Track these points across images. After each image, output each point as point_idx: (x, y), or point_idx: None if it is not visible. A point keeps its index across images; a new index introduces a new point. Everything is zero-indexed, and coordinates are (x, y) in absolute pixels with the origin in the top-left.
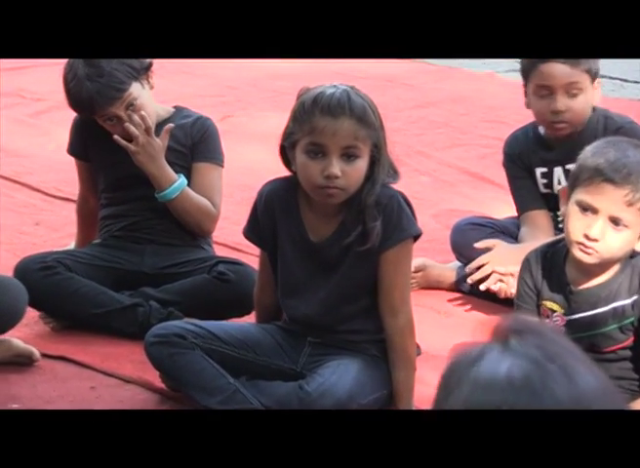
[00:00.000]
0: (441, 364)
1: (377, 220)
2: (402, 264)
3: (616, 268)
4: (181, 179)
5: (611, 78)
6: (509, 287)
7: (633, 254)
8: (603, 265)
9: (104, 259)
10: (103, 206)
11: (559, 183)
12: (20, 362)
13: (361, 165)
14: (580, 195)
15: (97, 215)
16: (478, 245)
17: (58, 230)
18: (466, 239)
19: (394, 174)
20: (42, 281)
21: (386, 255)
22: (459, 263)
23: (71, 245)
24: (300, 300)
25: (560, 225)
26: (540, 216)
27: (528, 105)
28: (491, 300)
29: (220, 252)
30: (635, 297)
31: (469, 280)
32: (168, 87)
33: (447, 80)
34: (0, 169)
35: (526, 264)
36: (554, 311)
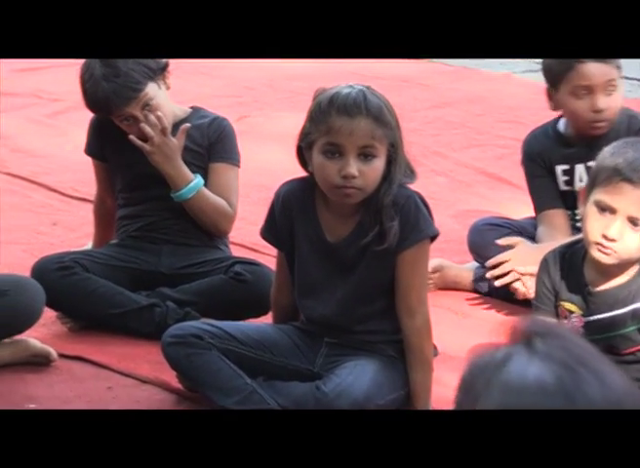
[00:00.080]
0: (459, 365)
1: (394, 220)
2: (419, 265)
3: (635, 269)
4: (198, 179)
5: (627, 78)
6: (528, 288)
7: None
8: (622, 266)
9: (121, 260)
10: (120, 206)
11: (580, 181)
12: (38, 362)
13: (378, 164)
14: (599, 195)
15: (114, 216)
16: (500, 241)
17: (75, 230)
18: (484, 239)
19: (411, 174)
20: (59, 281)
21: (403, 256)
22: (476, 264)
23: (88, 245)
24: (318, 301)
25: (579, 224)
26: (558, 216)
27: (555, 108)
28: (508, 301)
29: (236, 252)
30: None
31: (488, 274)
32: (185, 87)
33: (463, 80)
34: (17, 169)
35: (544, 265)
36: (572, 312)
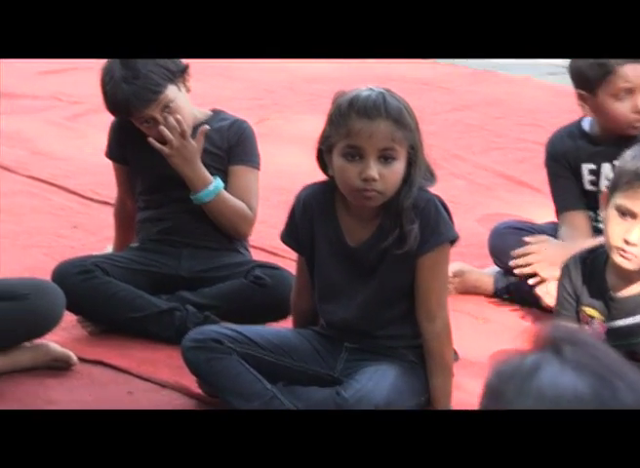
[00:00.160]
0: (479, 370)
1: (414, 223)
2: (439, 269)
3: None
4: (217, 182)
5: None
6: (552, 295)
7: None
8: None
9: (142, 263)
10: (141, 209)
11: (607, 179)
12: (58, 366)
13: (398, 167)
14: (620, 199)
15: (134, 219)
16: (528, 238)
17: (95, 233)
18: (505, 243)
19: (431, 177)
20: (80, 285)
21: (423, 260)
22: (496, 268)
23: (109, 248)
24: (338, 305)
25: (601, 225)
26: (579, 217)
27: (591, 111)
28: (528, 306)
29: (256, 256)
30: None
31: (511, 263)
32: (205, 90)
33: (483, 83)
34: (38, 171)
35: (565, 270)
36: (594, 318)
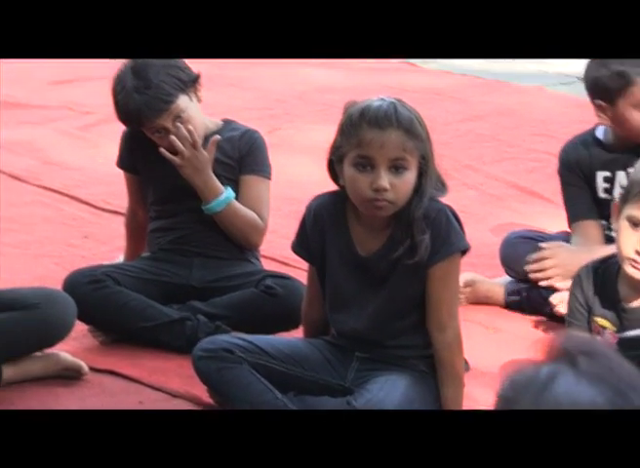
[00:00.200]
0: (490, 380)
1: (425, 233)
2: (450, 279)
3: None
4: (228, 192)
5: None
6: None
7: None
8: None
9: (153, 273)
10: (152, 218)
11: (621, 187)
12: (69, 375)
13: (409, 177)
14: (631, 210)
15: (145, 228)
16: (543, 244)
17: (106, 243)
18: (516, 252)
19: (442, 187)
20: (91, 294)
21: (434, 270)
22: (508, 278)
23: (120, 258)
24: (349, 315)
25: (614, 234)
26: (592, 227)
27: (610, 121)
28: (540, 316)
29: (267, 265)
30: None
31: (526, 268)
32: (216, 100)
33: (495, 93)
34: (49, 181)
35: (577, 280)
36: (605, 328)
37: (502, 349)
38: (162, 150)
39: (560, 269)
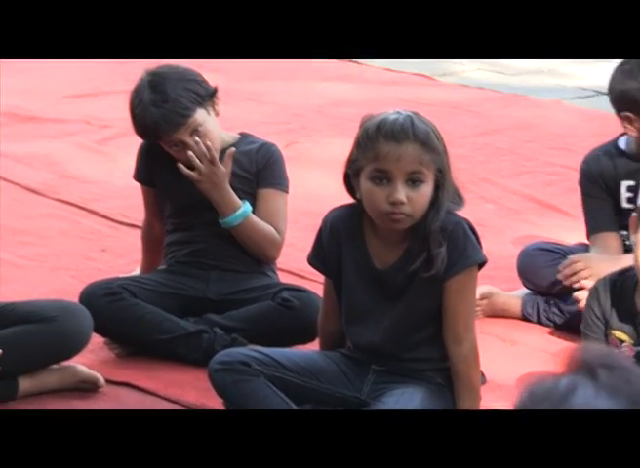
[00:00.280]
0: (506, 393)
1: (442, 246)
2: (467, 292)
3: None
4: (245, 206)
5: None
6: None
7: None
8: None
9: (169, 286)
10: (169, 232)
11: None
12: (85, 388)
13: (426, 190)
14: None
15: (162, 242)
16: (572, 257)
17: (123, 256)
18: (534, 264)
19: (459, 200)
20: (107, 307)
21: (451, 283)
22: (525, 291)
23: (137, 271)
24: (365, 328)
25: (628, 242)
26: (611, 239)
27: (637, 132)
28: (557, 329)
29: (284, 278)
30: None
31: (559, 276)
32: (234, 113)
33: (512, 107)
34: (67, 195)
35: (594, 293)
36: (623, 341)
37: (519, 362)
38: (180, 165)
39: (592, 270)
